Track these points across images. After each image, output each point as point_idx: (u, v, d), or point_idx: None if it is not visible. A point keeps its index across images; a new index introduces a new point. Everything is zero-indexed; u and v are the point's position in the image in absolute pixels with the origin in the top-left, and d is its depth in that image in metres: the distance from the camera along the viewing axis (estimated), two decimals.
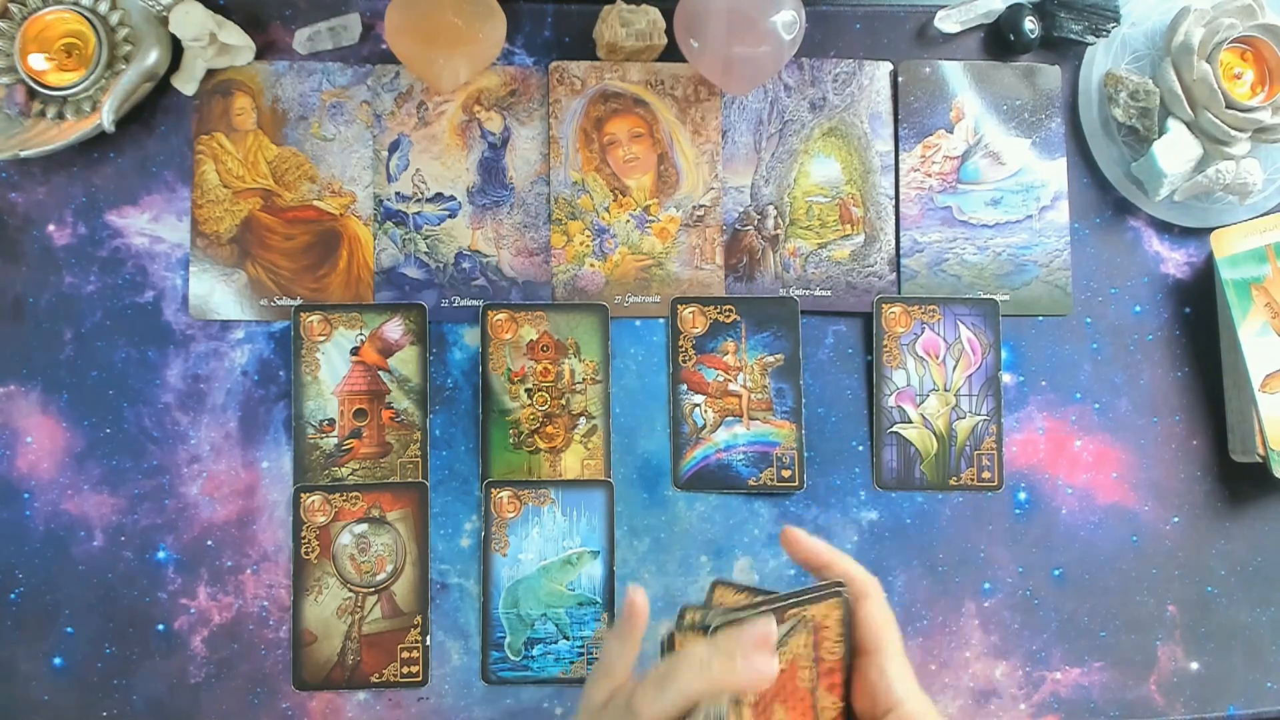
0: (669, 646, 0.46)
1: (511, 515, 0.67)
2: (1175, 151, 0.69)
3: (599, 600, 0.67)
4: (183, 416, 0.67)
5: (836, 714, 0.47)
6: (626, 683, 0.47)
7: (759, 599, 0.46)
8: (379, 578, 0.66)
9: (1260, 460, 0.68)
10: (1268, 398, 0.68)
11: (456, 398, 0.69)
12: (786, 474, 0.69)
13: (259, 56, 0.69)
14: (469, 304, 0.69)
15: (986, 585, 0.70)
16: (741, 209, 0.71)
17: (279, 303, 0.68)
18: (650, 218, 0.70)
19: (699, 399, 0.69)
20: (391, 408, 0.67)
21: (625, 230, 0.70)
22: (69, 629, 0.66)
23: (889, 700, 0.45)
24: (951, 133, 0.72)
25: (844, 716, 0.47)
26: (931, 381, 0.70)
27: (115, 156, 0.69)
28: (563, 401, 0.68)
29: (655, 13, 0.69)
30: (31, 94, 0.66)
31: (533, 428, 0.68)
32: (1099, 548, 0.71)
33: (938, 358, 0.70)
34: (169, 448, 0.67)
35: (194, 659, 0.66)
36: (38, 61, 0.66)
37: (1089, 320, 0.72)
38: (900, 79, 0.72)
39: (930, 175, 0.72)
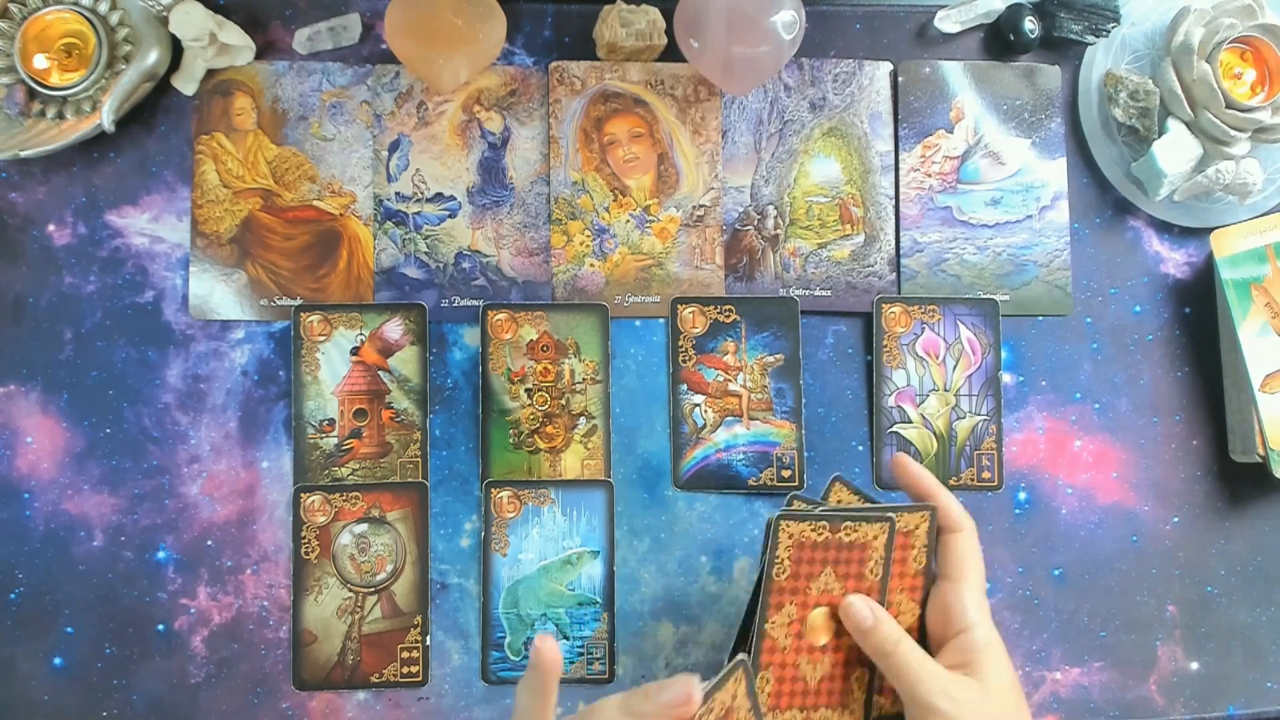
0: (774, 531, 0.48)
1: (511, 515, 0.67)
2: (1175, 151, 0.69)
3: (599, 600, 0.67)
4: (183, 416, 0.67)
5: (914, 620, 0.51)
6: None
7: (864, 507, 0.51)
8: (379, 578, 0.66)
9: (1260, 460, 0.68)
10: (1268, 398, 0.68)
11: (456, 398, 0.69)
12: (786, 474, 0.69)
13: (259, 56, 0.69)
14: (469, 304, 0.69)
15: (987, 585, 0.70)
16: (741, 209, 0.71)
17: (279, 303, 0.68)
18: (650, 218, 0.70)
19: (699, 399, 0.69)
20: (391, 408, 0.67)
21: (625, 230, 0.70)
22: (69, 629, 0.66)
23: (963, 623, 0.49)
24: (951, 133, 0.72)
25: (919, 623, 0.52)
26: (931, 381, 0.70)
27: (115, 156, 0.69)
28: (563, 401, 0.68)
29: (655, 13, 0.69)
30: (31, 94, 0.66)
31: (533, 428, 0.68)
32: (1099, 548, 0.71)
33: (938, 358, 0.70)
34: (169, 448, 0.67)
35: (194, 659, 0.66)
36: (38, 61, 0.66)
37: (1089, 320, 0.72)
38: (900, 79, 0.72)
39: (930, 175, 0.72)
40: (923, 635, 0.52)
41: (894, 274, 0.71)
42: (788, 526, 0.48)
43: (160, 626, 0.66)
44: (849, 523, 0.49)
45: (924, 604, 0.52)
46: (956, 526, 0.51)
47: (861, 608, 0.48)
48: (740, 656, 0.46)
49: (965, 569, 0.51)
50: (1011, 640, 0.69)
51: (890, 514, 0.50)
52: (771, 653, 0.48)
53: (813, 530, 0.48)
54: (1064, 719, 0.69)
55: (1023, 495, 0.71)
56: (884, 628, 0.48)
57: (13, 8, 0.65)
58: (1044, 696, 0.69)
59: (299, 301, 0.68)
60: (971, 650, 0.48)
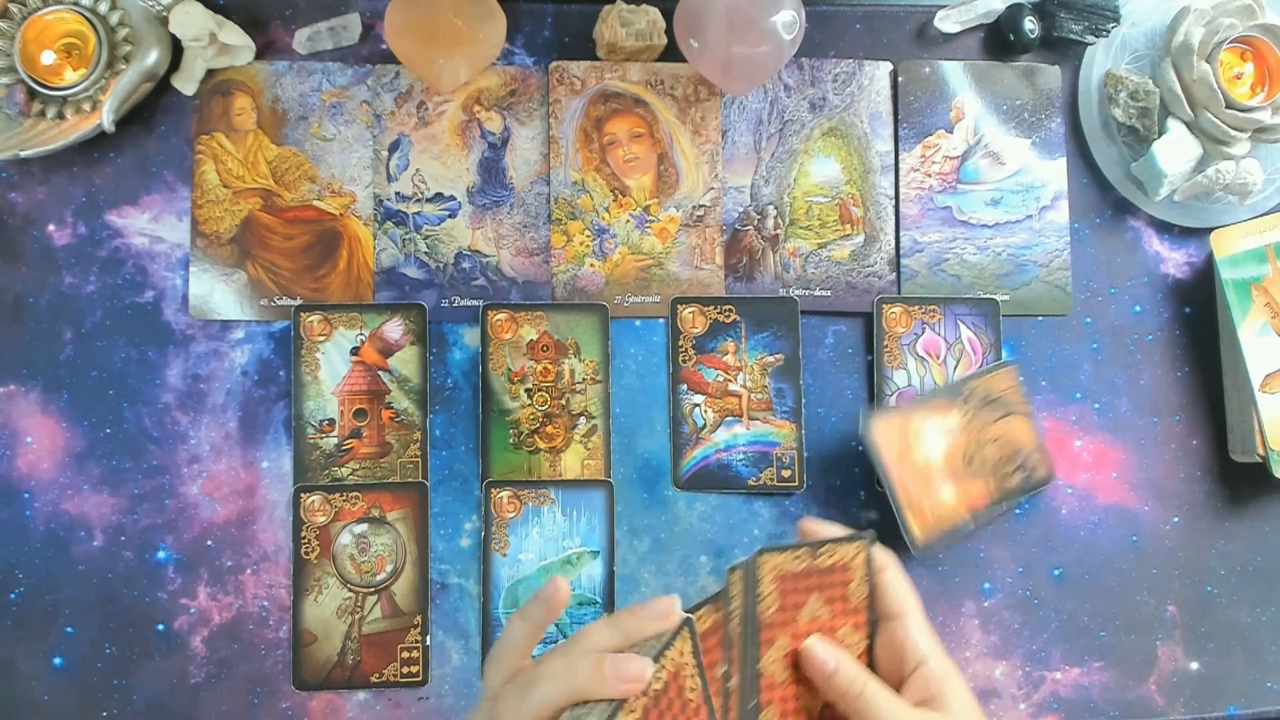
0: (751, 569, 0.46)
1: (511, 515, 0.67)
2: (1175, 151, 0.69)
3: (599, 600, 0.67)
4: (183, 416, 0.67)
5: (861, 652, 0.50)
6: (525, 666, 0.46)
7: (800, 550, 0.48)
8: (379, 578, 0.66)
9: (1260, 460, 0.68)
10: (1268, 398, 0.68)
11: (456, 398, 0.69)
12: (786, 474, 0.69)
13: (259, 56, 0.69)
14: (469, 304, 0.69)
15: (986, 585, 0.70)
16: (741, 209, 0.71)
17: (279, 303, 0.68)
18: (650, 218, 0.70)
19: (699, 399, 0.69)
20: (391, 408, 0.67)
21: (625, 230, 0.70)
22: (69, 629, 0.66)
23: (916, 658, 0.47)
24: (951, 133, 0.72)
25: (868, 654, 0.50)
26: (932, 381, 0.70)
27: (115, 156, 0.69)
28: (563, 401, 0.68)
29: (655, 13, 0.69)
30: (31, 94, 0.66)
31: (533, 428, 0.68)
32: (1099, 548, 0.71)
33: (938, 358, 0.70)
34: (169, 448, 0.67)
35: (194, 659, 0.66)
36: (38, 61, 0.66)
37: (1089, 320, 0.72)
38: (900, 79, 0.72)
39: (930, 175, 0.72)
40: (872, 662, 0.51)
41: (894, 274, 0.71)
42: (768, 560, 0.47)
43: (160, 626, 0.66)
44: (826, 546, 0.48)
45: (871, 637, 0.50)
46: (881, 565, 0.50)
47: (822, 651, 0.46)
48: (686, 616, 0.46)
49: (903, 603, 0.49)
50: (1012, 640, 0.69)
51: (863, 535, 0.49)
52: (771, 689, 0.47)
53: (793, 559, 0.48)
54: (1064, 719, 0.69)
55: None
56: (847, 670, 0.46)
57: (13, 8, 0.65)
58: (1044, 696, 0.69)
59: (299, 301, 0.68)
60: (932, 684, 0.46)
